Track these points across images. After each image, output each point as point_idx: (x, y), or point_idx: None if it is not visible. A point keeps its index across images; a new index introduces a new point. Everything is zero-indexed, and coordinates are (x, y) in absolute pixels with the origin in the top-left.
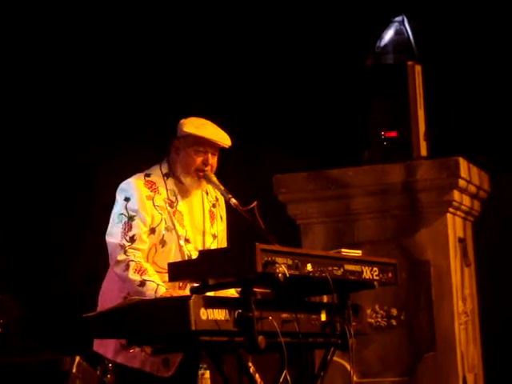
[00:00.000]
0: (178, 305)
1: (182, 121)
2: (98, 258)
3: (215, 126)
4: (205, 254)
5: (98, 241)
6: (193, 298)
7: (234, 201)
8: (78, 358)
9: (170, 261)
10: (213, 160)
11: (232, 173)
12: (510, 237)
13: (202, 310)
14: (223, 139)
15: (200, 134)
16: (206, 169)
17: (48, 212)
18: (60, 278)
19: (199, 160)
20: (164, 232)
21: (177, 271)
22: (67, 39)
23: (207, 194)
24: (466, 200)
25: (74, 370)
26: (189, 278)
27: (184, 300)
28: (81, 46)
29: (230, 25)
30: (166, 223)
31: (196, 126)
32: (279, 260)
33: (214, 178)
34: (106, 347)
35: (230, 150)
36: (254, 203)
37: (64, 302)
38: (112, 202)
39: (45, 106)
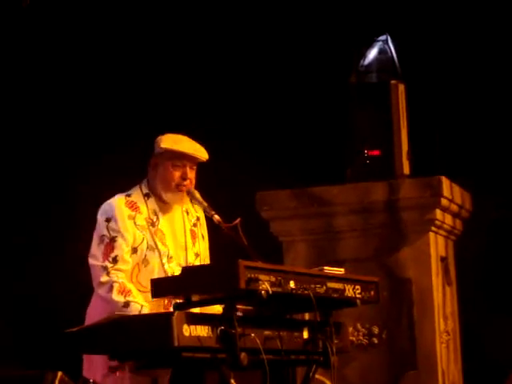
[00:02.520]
0: (161, 321)
1: (159, 137)
2: (84, 273)
3: (192, 141)
4: (188, 270)
5: (83, 255)
6: (176, 314)
7: (217, 217)
8: (60, 374)
9: None
10: (191, 174)
11: (215, 189)
12: (490, 256)
13: (185, 327)
14: (200, 152)
15: (177, 149)
16: (185, 183)
17: (34, 225)
18: (43, 292)
19: (177, 175)
20: (146, 251)
21: (160, 287)
22: (58, 49)
23: (188, 213)
24: (448, 219)
25: None
26: (172, 295)
27: (167, 316)
28: (73, 58)
29: (211, 41)
30: (147, 242)
31: (173, 141)
32: (262, 277)
33: (198, 195)
34: (94, 372)
35: (213, 165)
36: (237, 220)
37: (47, 317)
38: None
39: (33, 116)
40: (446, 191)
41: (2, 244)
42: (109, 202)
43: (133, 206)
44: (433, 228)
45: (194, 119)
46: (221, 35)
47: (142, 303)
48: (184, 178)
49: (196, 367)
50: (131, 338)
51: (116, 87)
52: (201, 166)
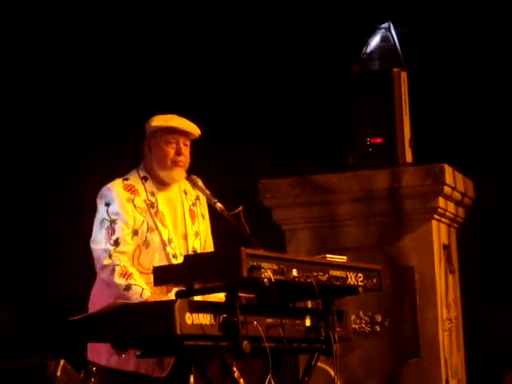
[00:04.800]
0: (163, 309)
1: (149, 119)
2: (85, 261)
3: (182, 118)
4: (190, 258)
5: (85, 243)
6: (178, 302)
7: (219, 205)
8: (62, 362)
9: (155, 261)
10: (185, 150)
11: (218, 177)
12: (493, 244)
13: (188, 315)
14: (192, 127)
15: (168, 125)
16: (180, 159)
17: (34, 212)
18: (46, 281)
19: (172, 151)
20: (147, 233)
21: (162, 275)
22: (50, 43)
23: (186, 193)
24: (451, 207)
25: (58, 374)
26: (174, 283)
27: (169, 304)
28: (67, 49)
29: (212, 28)
30: (147, 224)
31: (163, 119)
32: (264, 265)
33: (200, 183)
34: (98, 354)
35: (216, 153)
36: (240, 208)
37: (49, 305)
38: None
39: (30, 107)
40: (448, 179)
41: (5, 233)
42: (107, 186)
43: (131, 189)
44: (435, 216)
45: (196, 107)
46: (222, 22)
47: (143, 286)
48: (179, 153)
49: (198, 355)
50: (134, 326)
51: (113, 76)
52: (203, 154)
